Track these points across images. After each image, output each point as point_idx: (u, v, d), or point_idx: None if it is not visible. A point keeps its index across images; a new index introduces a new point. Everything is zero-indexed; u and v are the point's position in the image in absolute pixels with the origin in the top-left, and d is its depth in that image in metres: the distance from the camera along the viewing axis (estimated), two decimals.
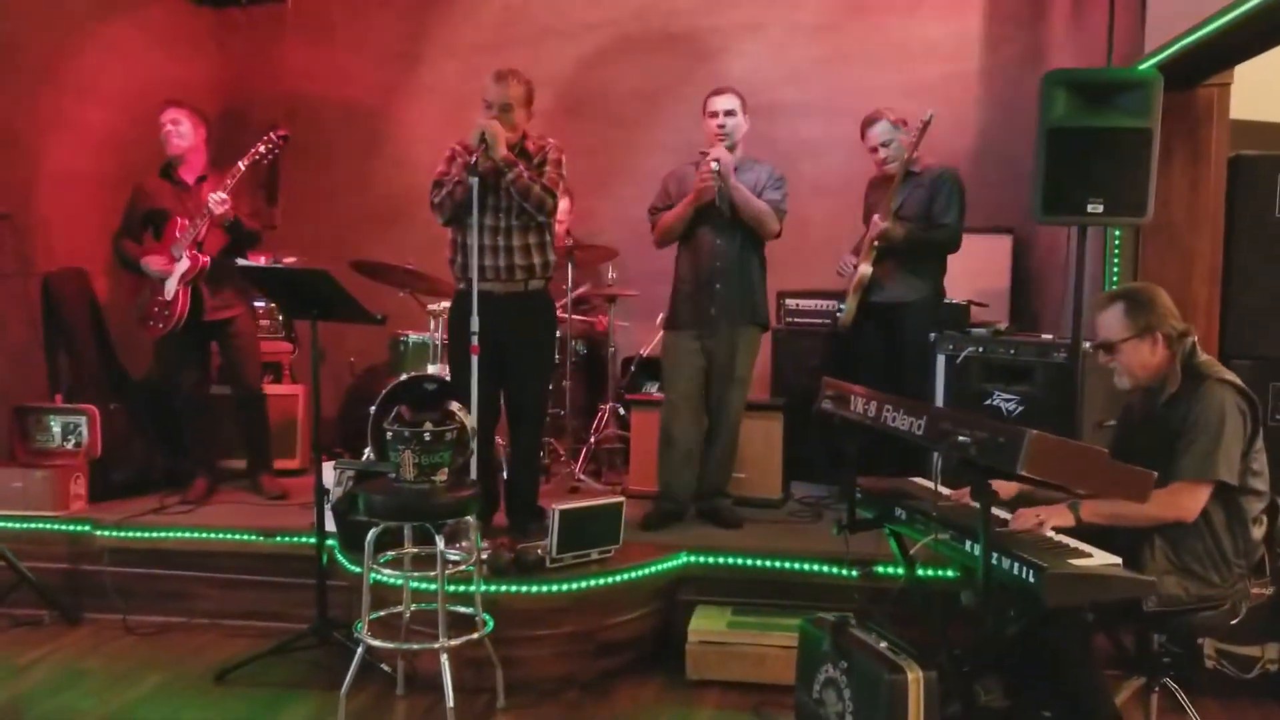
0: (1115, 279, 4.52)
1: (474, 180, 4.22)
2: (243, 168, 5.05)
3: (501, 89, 4.41)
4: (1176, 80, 4.22)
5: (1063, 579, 2.66)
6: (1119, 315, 3.27)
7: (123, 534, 4.84)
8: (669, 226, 4.87)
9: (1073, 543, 2.93)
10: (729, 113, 4.77)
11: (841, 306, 5.17)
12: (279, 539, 4.75)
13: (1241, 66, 4.38)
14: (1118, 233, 4.52)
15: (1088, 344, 4.26)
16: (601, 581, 4.21)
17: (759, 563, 4.44)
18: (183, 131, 5.23)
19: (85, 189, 5.92)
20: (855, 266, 5.06)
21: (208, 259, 5.14)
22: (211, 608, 4.77)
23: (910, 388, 4.80)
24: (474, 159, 4.25)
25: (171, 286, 5.12)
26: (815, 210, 5.96)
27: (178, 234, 5.15)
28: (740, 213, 4.73)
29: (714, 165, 4.63)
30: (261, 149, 5.03)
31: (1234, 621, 3.18)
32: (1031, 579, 2.67)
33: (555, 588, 4.12)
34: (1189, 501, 3.07)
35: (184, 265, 5.10)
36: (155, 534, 4.84)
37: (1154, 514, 3.07)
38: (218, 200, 5.00)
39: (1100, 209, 3.94)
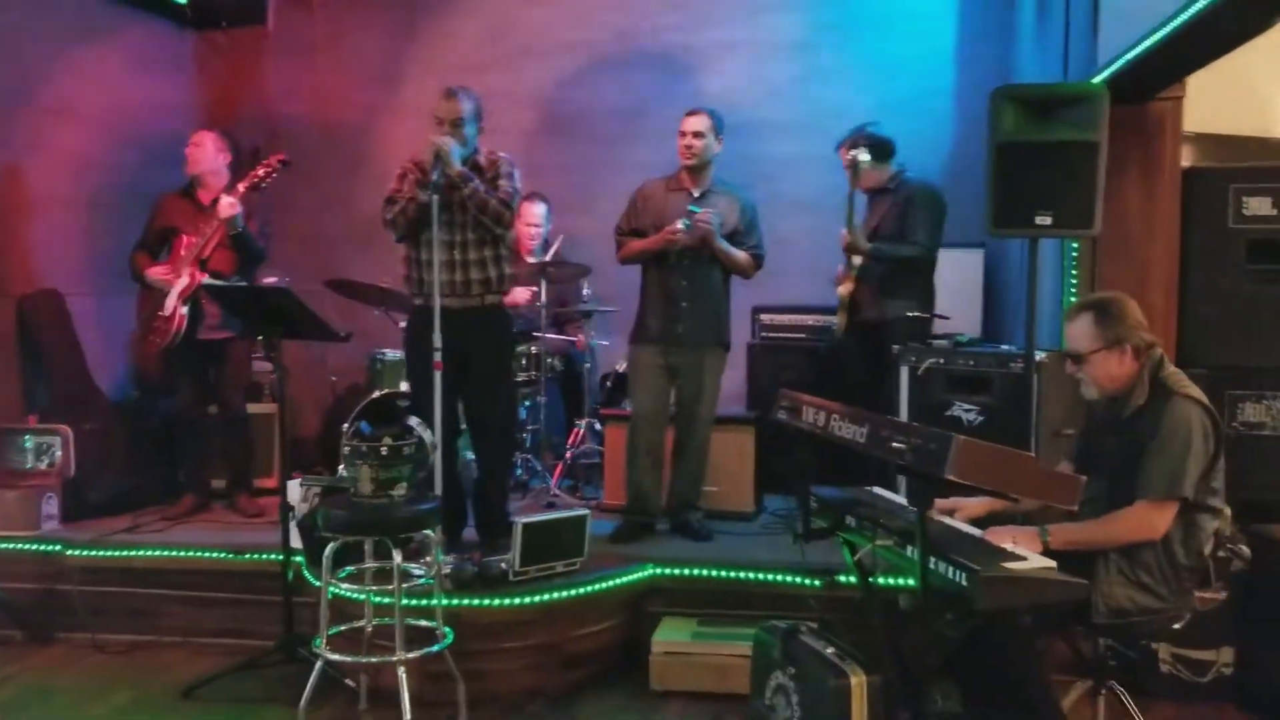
0: (1073, 290, 4.55)
1: (435, 197, 4.27)
2: (241, 190, 5.10)
3: (452, 105, 4.46)
4: (1129, 94, 4.27)
5: (995, 582, 2.67)
6: (1088, 326, 3.26)
7: (93, 553, 4.87)
8: (635, 255, 4.96)
9: (1011, 546, 2.95)
10: (697, 134, 4.83)
11: (834, 321, 5.30)
12: (248, 556, 4.78)
13: (1193, 81, 4.42)
14: (1074, 245, 4.55)
15: (1041, 354, 4.29)
16: (566, 594, 4.24)
17: (725, 574, 4.47)
18: (201, 155, 5.32)
19: (62, 211, 5.98)
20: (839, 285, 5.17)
21: (205, 276, 5.16)
22: (181, 625, 4.80)
23: (888, 405, 4.82)
24: (434, 176, 4.28)
25: (170, 302, 5.16)
26: (792, 227, 6.01)
27: (183, 251, 5.21)
28: (722, 262, 4.85)
29: (682, 224, 4.71)
30: (260, 172, 5.10)
31: (1176, 626, 3.20)
32: (964, 582, 2.70)
33: (519, 600, 4.15)
34: (1157, 520, 3.07)
35: (183, 282, 5.16)
36: (126, 553, 4.87)
37: (1124, 537, 3.10)
38: (228, 203, 5.03)
39: (1049, 221, 3.96)
